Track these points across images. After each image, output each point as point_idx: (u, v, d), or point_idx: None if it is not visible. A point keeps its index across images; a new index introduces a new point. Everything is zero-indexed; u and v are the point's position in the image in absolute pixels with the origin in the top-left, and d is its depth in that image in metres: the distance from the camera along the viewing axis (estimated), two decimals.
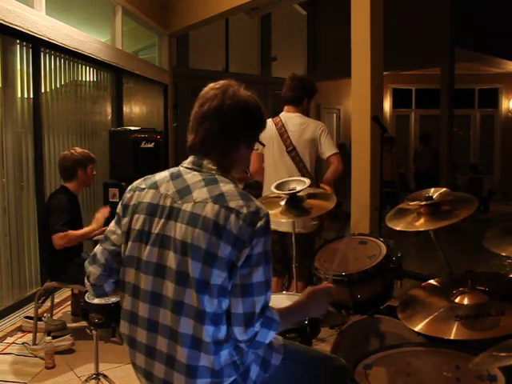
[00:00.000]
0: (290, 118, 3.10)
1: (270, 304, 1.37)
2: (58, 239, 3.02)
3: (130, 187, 1.49)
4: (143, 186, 1.44)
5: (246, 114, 1.41)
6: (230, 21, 8.86)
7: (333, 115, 11.26)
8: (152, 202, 1.38)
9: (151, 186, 1.42)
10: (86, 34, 4.63)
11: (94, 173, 3.40)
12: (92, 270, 1.48)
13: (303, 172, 2.96)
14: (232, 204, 1.28)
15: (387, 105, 11.09)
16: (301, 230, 2.96)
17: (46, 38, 3.88)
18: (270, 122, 3.02)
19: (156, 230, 1.35)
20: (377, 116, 3.51)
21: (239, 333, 1.30)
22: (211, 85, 1.43)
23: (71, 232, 3.07)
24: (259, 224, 1.27)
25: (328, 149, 3.07)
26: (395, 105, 11.36)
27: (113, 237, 1.46)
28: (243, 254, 1.26)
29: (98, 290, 1.51)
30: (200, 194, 1.32)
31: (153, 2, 6.27)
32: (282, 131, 3.04)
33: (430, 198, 2.19)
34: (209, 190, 1.32)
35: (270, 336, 1.35)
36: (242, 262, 1.26)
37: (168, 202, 1.35)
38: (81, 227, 3.24)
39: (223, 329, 1.30)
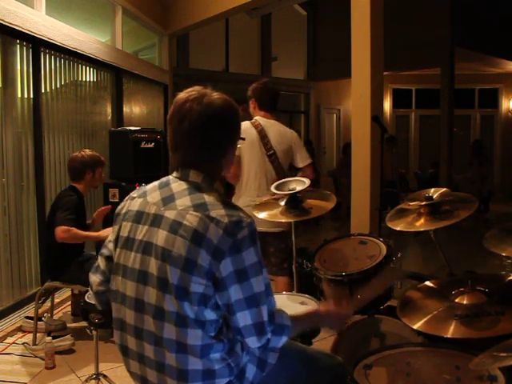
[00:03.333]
0: (269, 124, 3.11)
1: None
2: (61, 232, 3.00)
3: (127, 197, 1.52)
4: (135, 195, 1.48)
5: (226, 120, 1.41)
6: (230, 21, 8.87)
7: (333, 115, 11.26)
8: (139, 210, 1.41)
9: (141, 195, 1.46)
10: (86, 34, 4.63)
11: (103, 175, 3.41)
12: (93, 278, 1.55)
13: (281, 177, 2.98)
14: (213, 213, 1.29)
15: (387, 105, 11.09)
16: (282, 228, 2.98)
17: (45, 38, 3.88)
18: (249, 124, 3.05)
19: (140, 236, 1.37)
20: (377, 116, 3.52)
21: (253, 342, 1.32)
22: (183, 95, 1.40)
23: (75, 229, 3.07)
24: (241, 235, 1.27)
25: (304, 158, 3.15)
26: (395, 105, 11.36)
27: (110, 245, 1.52)
28: (224, 266, 1.25)
29: (100, 296, 1.55)
30: (183, 201, 1.33)
31: (153, 2, 6.27)
32: (263, 135, 3.05)
33: (430, 198, 2.19)
34: (192, 198, 1.33)
35: (283, 341, 1.38)
36: (229, 274, 1.25)
37: (153, 210, 1.37)
38: (84, 227, 3.24)
39: (211, 334, 1.29)
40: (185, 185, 1.38)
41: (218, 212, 1.29)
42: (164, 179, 1.46)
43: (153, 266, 1.31)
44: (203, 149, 1.39)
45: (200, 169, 1.40)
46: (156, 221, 1.34)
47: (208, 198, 1.33)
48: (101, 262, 1.54)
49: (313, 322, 1.64)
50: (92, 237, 3.23)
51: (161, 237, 1.31)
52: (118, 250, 1.43)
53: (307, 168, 3.14)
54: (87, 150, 3.39)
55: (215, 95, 1.40)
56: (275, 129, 3.10)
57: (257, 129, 3.06)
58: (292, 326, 1.39)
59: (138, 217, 1.40)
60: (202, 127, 1.36)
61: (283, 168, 3.08)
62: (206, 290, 1.26)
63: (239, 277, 1.26)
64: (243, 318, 1.29)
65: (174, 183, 1.41)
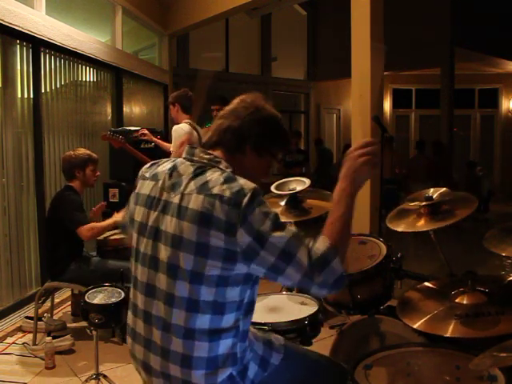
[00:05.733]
0: (194, 125, 3.97)
1: (273, 303, 1.37)
2: (86, 231, 3.03)
3: (139, 174, 1.52)
4: (147, 175, 1.47)
5: (265, 122, 1.44)
6: (229, 21, 8.87)
7: (333, 115, 11.27)
8: (150, 195, 1.41)
9: (152, 178, 1.45)
10: (86, 34, 4.63)
11: (97, 174, 3.35)
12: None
13: None
14: (215, 190, 1.27)
15: (387, 105, 11.09)
16: None
17: (45, 38, 3.88)
18: (188, 127, 3.89)
19: (151, 222, 1.37)
20: (377, 116, 3.51)
21: (316, 291, 1.27)
22: (242, 96, 1.49)
23: (96, 224, 3.09)
24: (245, 201, 1.24)
25: None
26: (395, 105, 11.36)
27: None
28: (240, 238, 1.22)
29: None
30: (187, 185, 1.34)
31: (153, 2, 6.27)
32: (198, 134, 3.93)
33: (430, 198, 2.19)
34: (195, 181, 1.33)
35: (338, 262, 1.25)
36: (249, 244, 1.22)
37: (163, 196, 1.38)
38: None
39: (226, 318, 1.28)
40: (190, 166, 1.38)
41: (219, 188, 1.28)
42: (173, 162, 1.46)
43: (163, 252, 1.32)
44: (228, 133, 1.42)
45: (212, 150, 1.42)
46: (166, 207, 1.35)
47: (210, 176, 1.32)
48: None
49: (350, 195, 1.33)
50: (110, 224, 3.20)
51: (169, 223, 1.31)
52: (134, 234, 1.44)
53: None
54: (80, 149, 3.36)
55: (270, 107, 1.48)
56: (198, 128, 3.99)
57: (196, 130, 3.89)
58: (336, 244, 1.26)
59: (150, 202, 1.40)
60: (240, 117, 1.42)
61: None
62: (224, 273, 1.25)
63: (259, 241, 1.22)
64: (288, 277, 1.24)
65: (182, 165, 1.41)
